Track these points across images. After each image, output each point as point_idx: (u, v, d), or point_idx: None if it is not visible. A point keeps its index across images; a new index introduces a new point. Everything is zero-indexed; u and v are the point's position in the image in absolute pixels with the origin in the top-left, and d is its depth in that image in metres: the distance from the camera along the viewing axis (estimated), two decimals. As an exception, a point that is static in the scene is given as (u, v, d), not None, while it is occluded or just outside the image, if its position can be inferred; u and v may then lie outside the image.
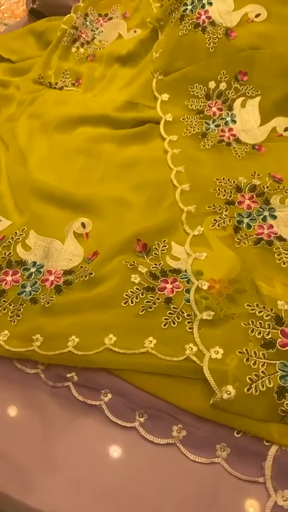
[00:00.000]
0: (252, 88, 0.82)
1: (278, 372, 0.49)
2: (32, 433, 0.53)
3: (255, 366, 0.50)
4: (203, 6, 0.85)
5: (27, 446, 0.52)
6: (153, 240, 0.65)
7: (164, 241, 0.65)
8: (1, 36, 1.20)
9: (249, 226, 0.65)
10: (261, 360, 0.50)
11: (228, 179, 0.71)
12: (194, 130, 0.82)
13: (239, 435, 0.49)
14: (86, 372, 0.55)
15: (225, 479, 0.47)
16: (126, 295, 0.59)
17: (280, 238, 0.63)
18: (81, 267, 0.64)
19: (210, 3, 0.85)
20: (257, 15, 0.84)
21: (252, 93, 0.82)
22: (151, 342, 0.54)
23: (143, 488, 0.48)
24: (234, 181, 0.71)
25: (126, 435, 0.51)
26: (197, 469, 0.48)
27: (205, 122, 0.83)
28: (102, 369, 0.54)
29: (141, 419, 0.52)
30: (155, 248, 0.65)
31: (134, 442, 0.51)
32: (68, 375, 0.55)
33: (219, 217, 0.66)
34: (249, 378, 0.49)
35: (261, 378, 0.49)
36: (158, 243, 0.65)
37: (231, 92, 0.83)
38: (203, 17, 0.85)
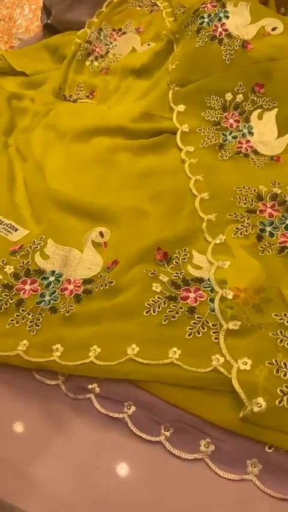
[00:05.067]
0: (269, 100, 0.82)
1: (309, 384, 0.47)
2: (51, 447, 0.51)
3: (286, 378, 0.48)
4: (219, 19, 0.86)
5: (47, 461, 0.50)
6: (173, 248, 0.64)
7: (185, 249, 0.64)
8: (16, 50, 1.21)
9: (272, 234, 0.64)
10: (291, 372, 0.48)
11: (249, 187, 0.70)
12: (211, 142, 0.81)
13: (271, 450, 0.47)
14: (108, 383, 0.53)
15: (257, 496, 0.45)
16: (148, 304, 0.57)
17: (304, 247, 0.62)
18: (101, 276, 0.63)
19: (227, 17, 0.86)
20: (274, 29, 0.85)
21: (269, 106, 0.82)
22: (175, 352, 0.52)
23: (170, 506, 0.46)
24: (254, 190, 0.70)
25: (151, 450, 0.49)
26: (226, 486, 0.46)
27: (222, 134, 0.83)
28: (125, 380, 0.53)
29: (167, 433, 0.50)
30: (176, 257, 0.63)
31: (160, 457, 0.49)
32: (90, 386, 0.53)
33: (241, 225, 0.65)
34: (280, 389, 0.47)
35: (292, 390, 0.47)
36: (178, 252, 0.64)
37: (248, 104, 0.83)
38: (220, 29, 0.85)
